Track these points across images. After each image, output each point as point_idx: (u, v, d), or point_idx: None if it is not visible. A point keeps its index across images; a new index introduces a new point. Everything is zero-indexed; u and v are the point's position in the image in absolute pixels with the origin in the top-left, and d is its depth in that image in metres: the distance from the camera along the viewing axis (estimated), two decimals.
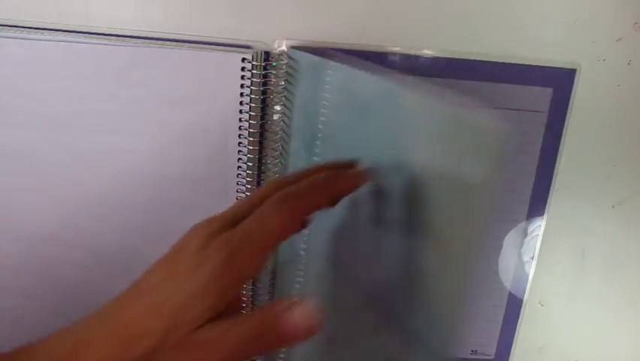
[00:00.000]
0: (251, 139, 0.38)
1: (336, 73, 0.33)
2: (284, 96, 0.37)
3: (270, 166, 0.39)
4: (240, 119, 0.38)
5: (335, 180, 0.28)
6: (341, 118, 0.33)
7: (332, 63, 0.33)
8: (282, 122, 0.38)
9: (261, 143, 0.39)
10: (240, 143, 0.39)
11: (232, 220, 0.26)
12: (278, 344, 0.24)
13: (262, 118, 0.38)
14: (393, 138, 0.29)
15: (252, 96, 0.37)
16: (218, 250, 0.24)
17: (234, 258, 0.24)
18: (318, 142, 0.35)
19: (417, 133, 0.27)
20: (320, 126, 0.35)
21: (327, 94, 0.34)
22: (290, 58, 0.36)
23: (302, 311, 0.24)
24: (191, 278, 0.24)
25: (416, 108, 0.27)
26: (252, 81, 0.37)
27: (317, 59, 0.34)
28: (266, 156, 0.39)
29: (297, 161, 0.38)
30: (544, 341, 0.41)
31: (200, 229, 0.26)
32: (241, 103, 0.38)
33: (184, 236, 0.26)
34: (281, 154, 0.39)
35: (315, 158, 0.36)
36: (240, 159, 0.39)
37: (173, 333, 0.23)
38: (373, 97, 0.30)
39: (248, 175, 0.39)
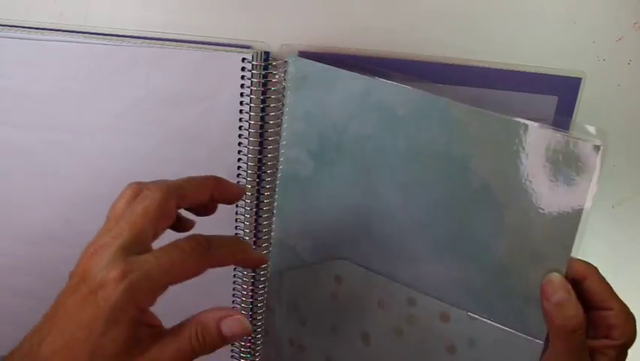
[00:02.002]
0: (251, 139, 0.38)
1: (356, 82, 0.33)
2: (282, 103, 0.37)
3: (269, 166, 0.39)
4: (240, 119, 0.38)
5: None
6: (363, 128, 0.34)
7: (349, 73, 0.34)
8: (281, 126, 0.38)
9: (261, 143, 0.39)
10: (239, 143, 0.39)
11: (127, 251, 0.26)
12: (215, 348, 0.27)
13: (262, 118, 0.38)
14: (444, 149, 0.31)
15: (252, 96, 0.37)
16: (115, 286, 0.25)
17: (130, 293, 0.25)
18: (333, 152, 0.35)
19: (476, 144, 0.30)
20: (332, 136, 0.35)
21: (342, 103, 0.34)
22: (292, 65, 0.36)
23: (235, 321, 0.27)
24: (99, 315, 0.25)
25: (474, 120, 0.30)
26: (252, 81, 0.37)
27: (330, 67, 0.34)
28: (266, 156, 0.39)
29: (300, 167, 0.37)
30: None
31: (98, 258, 0.26)
32: (241, 103, 0.38)
33: (82, 263, 0.27)
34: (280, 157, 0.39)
35: (328, 167, 0.36)
36: (239, 159, 0.39)
37: None
38: (412, 108, 0.32)
39: (248, 175, 0.39)
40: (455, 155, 0.31)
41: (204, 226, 0.37)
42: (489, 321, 0.32)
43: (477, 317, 0.32)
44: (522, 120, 0.29)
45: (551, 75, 0.36)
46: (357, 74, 0.33)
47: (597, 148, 0.27)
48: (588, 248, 0.40)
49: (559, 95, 0.37)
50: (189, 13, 0.37)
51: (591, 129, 0.30)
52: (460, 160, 0.31)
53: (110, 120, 0.39)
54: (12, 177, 0.41)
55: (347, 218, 0.36)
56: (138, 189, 0.29)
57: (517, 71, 0.36)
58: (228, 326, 0.27)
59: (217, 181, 0.31)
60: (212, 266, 0.28)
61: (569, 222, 0.29)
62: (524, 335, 0.31)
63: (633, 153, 0.38)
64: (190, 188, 0.30)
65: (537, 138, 0.29)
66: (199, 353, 0.27)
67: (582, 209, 0.29)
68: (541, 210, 0.29)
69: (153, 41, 0.38)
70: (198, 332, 0.26)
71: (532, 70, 0.36)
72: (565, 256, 0.29)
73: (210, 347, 0.27)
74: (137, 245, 0.26)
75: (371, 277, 0.35)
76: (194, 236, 0.28)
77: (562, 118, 0.38)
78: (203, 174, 0.31)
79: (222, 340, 0.27)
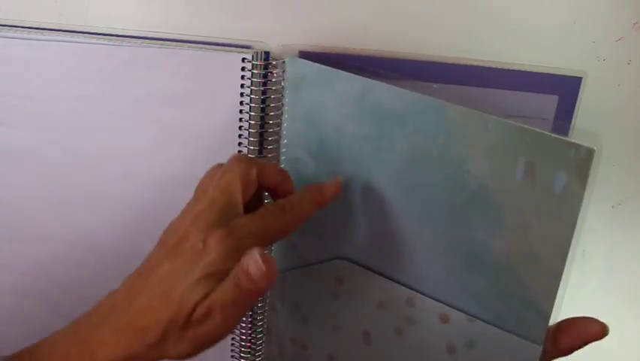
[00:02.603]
0: (251, 139, 0.38)
1: (353, 84, 0.33)
2: (282, 103, 0.37)
3: None
4: (240, 119, 0.38)
5: (317, 193, 0.33)
6: (360, 129, 0.34)
7: (346, 74, 0.33)
8: (281, 126, 0.38)
9: (261, 143, 0.39)
10: (240, 143, 0.39)
11: (223, 215, 0.29)
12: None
13: (262, 118, 0.38)
14: (441, 150, 0.31)
15: (252, 96, 0.37)
16: (219, 243, 0.27)
17: (233, 250, 0.28)
18: (333, 151, 0.35)
19: (472, 146, 0.30)
20: (332, 136, 0.35)
21: (339, 104, 0.34)
22: (290, 65, 0.36)
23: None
24: (196, 268, 0.27)
25: (470, 122, 0.30)
26: (252, 81, 0.37)
27: (326, 68, 0.34)
28: (266, 156, 0.39)
29: (301, 167, 0.38)
30: None
31: (198, 222, 0.29)
32: (241, 103, 0.38)
33: (180, 229, 0.30)
34: (280, 156, 0.39)
35: (330, 166, 0.36)
36: None
37: (180, 319, 0.27)
38: (409, 110, 0.32)
39: None
40: (452, 157, 0.31)
41: None
42: (488, 324, 0.32)
43: (476, 319, 0.32)
44: (517, 124, 0.29)
45: (552, 75, 0.36)
46: (355, 75, 0.33)
47: (591, 152, 0.27)
48: (588, 248, 0.40)
49: (559, 95, 0.37)
50: (189, 13, 0.37)
51: (585, 133, 0.30)
52: (457, 162, 0.31)
53: (110, 120, 0.39)
54: (12, 177, 0.41)
55: (348, 217, 0.36)
56: (220, 165, 0.32)
57: (518, 71, 0.36)
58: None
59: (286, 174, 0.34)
60: (302, 220, 0.31)
61: (565, 223, 0.28)
62: (523, 339, 0.31)
63: (633, 153, 0.38)
64: (266, 164, 0.32)
65: (532, 141, 0.28)
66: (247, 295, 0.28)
67: (577, 212, 0.28)
68: (537, 212, 0.29)
69: (153, 41, 0.38)
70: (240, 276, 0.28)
71: (533, 69, 0.36)
72: (561, 258, 0.28)
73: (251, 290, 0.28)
74: (231, 209, 0.29)
75: (371, 277, 0.35)
76: (277, 201, 0.31)
77: (562, 118, 0.38)
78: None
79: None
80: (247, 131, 0.38)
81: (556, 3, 0.35)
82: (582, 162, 0.27)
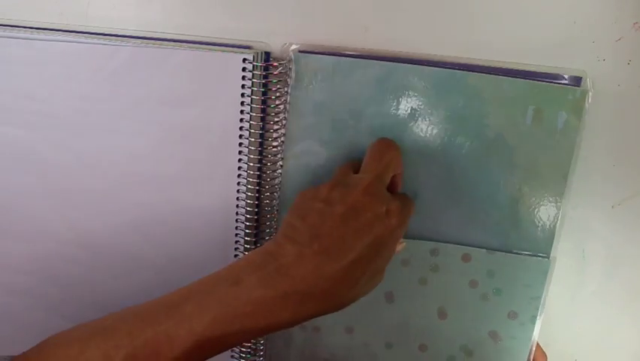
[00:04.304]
0: (251, 139, 0.38)
1: (373, 69, 0.36)
2: (285, 100, 0.37)
3: (269, 166, 0.39)
4: (241, 120, 0.38)
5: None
6: (381, 108, 0.37)
7: (364, 61, 0.37)
8: (283, 123, 0.38)
9: (261, 143, 0.39)
10: (240, 143, 0.39)
11: (385, 189, 0.34)
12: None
13: (263, 119, 0.38)
14: (461, 112, 0.36)
15: (253, 97, 0.37)
16: (399, 214, 0.33)
17: (406, 219, 0.34)
18: (350, 134, 0.38)
19: (490, 103, 0.36)
20: (349, 120, 0.37)
21: (359, 89, 0.37)
22: (301, 62, 0.37)
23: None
24: (388, 234, 0.32)
25: (489, 84, 0.36)
26: (252, 81, 0.37)
27: (345, 59, 0.37)
28: (266, 156, 0.39)
29: (310, 159, 0.38)
30: (544, 341, 0.41)
31: (370, 192, 0.32)
32: (242, 103, 0.38)
33: (348, 198, 0.32)
34: (281, 157, 0.39)
35: (344, 150, 0.38)
36: (240, 159, 0.39)
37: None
38: (430, 83, 0.36)
39: (248, 175, 0.39)
40: (472, 115, 0.36)
41: (206, 227, 0.37)
42: (504, 253, 0.38)
43: (494, 251, 0.38)
44: (527, 80, 0.36)
45: (552, 74, 0.36)
46: (373, 61, 0.36)
47: (585, 92, 0.35)
48: (588, 248, 0.40)
49: None
50: (189, 13, 0.37)
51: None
52: (477, 118, 0.36)
53: (110, 120, 0.39)
54: (12, 177, 0.41)
55: None
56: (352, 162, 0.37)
57: (518, 70, 0.36)
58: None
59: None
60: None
61: (565, 151, 0.36)
62: (534, 256, 0.38)
63: (633, 153, 0.38)
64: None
65: (540, 92, 0.36)
66: None
67: (574, 140, 0.36)
68: (543, 146, 0.36)
69: (153, 41, 0.38)
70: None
71: (533, 69, 0.36)
72: (563, 178, 0.37)
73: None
74: (386, 185, 0.34)
75: None
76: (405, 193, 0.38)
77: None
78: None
79: None
80: (247, 132, 0.38)
81: (557, 3, 0.35)
82: (578, 101, 0.35)
